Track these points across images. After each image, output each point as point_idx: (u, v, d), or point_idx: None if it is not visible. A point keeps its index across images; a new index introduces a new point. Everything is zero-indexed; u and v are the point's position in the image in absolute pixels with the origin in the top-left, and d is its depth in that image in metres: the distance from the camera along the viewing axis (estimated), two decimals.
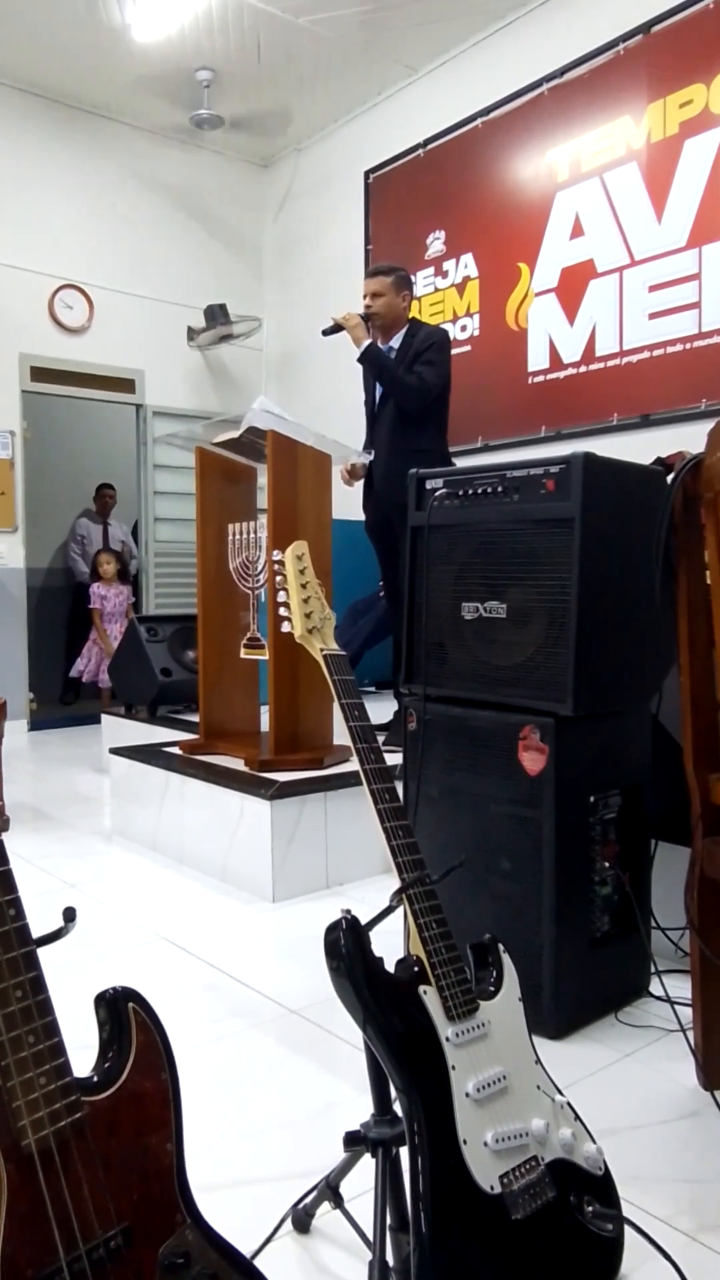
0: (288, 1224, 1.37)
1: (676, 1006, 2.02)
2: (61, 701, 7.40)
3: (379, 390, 3.76)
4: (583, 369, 4.93)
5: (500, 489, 2.08)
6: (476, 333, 5.52)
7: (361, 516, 3.93)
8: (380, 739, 1.33)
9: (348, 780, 3.01)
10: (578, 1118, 1.24)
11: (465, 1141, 1.11)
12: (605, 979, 2.09)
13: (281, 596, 1.43)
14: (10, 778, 4.78)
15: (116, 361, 6.58)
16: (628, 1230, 1.24)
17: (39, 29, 5.43)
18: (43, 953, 0.88)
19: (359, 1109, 1.45)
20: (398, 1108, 1.16)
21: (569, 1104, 1.24)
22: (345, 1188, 1.32)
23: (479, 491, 2.12)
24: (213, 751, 3.39)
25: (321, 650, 1.39)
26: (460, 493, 2.16)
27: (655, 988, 2.17)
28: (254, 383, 7.27)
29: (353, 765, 1.36)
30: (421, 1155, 1.08)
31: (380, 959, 1.14)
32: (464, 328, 5.58)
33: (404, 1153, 1.12)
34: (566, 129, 4.97)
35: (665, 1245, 1.29)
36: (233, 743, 3.39)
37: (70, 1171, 0.85)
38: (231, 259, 7.12)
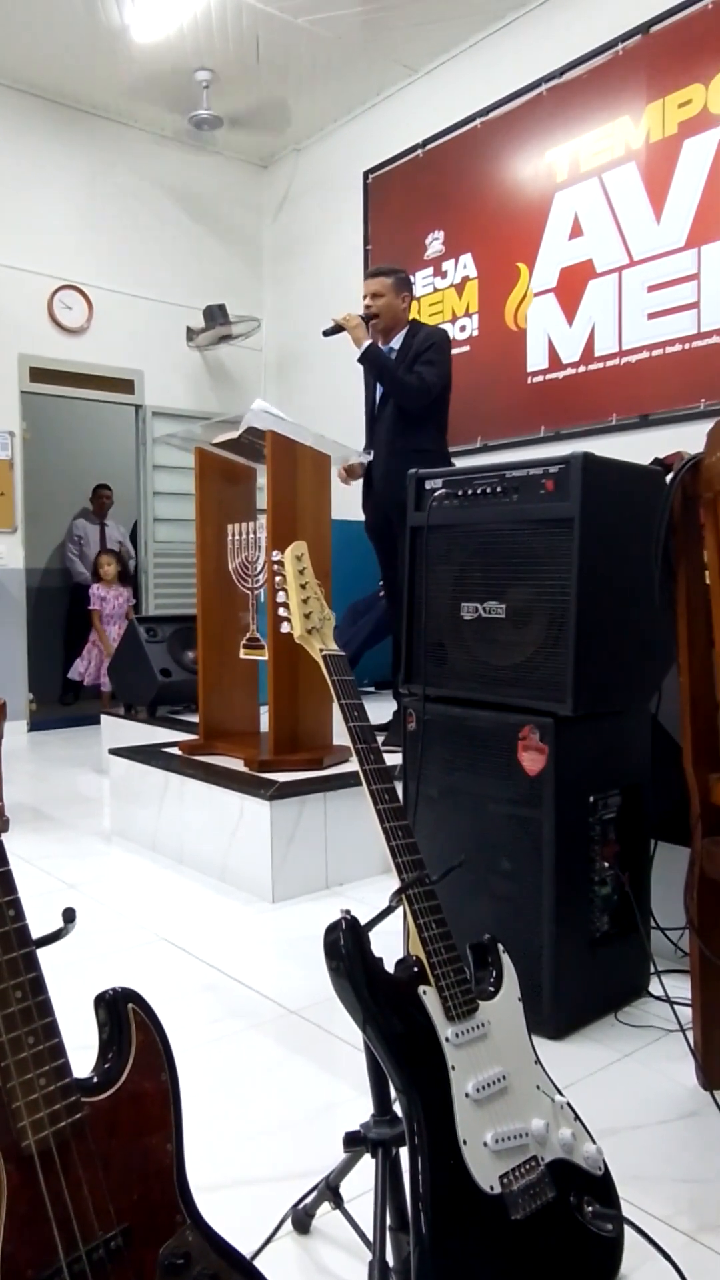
0: (288, 1224, 1.37)
1: (676, 1006, 2.02)
2: (61, 702, 7.40)
3: (379, 391, 3.76)
4: (582, 369, 4.93)
5: (499, 489, 2.08)
6: (475, 333, 5.52)
7: (360, 517, 3.93)
8: (379, 739, 1.33)
9: (347, 780, 3.01)
10: (577, 1118, 1.24)
11: (465, 1142, 1.11)
12: (605, 979, 2.09)
13: (281, 597, 1.43)
14: (10, 778, 4.78)
15: (115, 362, 6.58)
16: (627, 1230, 1.24)
17: (38, 30, 5.43)
18: (42, 953, 0.88)
19: (359, 1109, 1.45)
20: (397, 1108, 1.16)
21: (569, 1104, 1.24)
22: (345, 1188, 1.32)
23: (478, 492, 2.12)
24: (212, 752, 3.39)
25: (321, 650, 1.39)
26: (459, 493, 2.16)
27: (655, 988, 2.17)
28: (253, 383, 7.27)
29: (352, 765, 1.36)
30: (421, 1155, 1.08)
31: (380, 959, 1.14)
32: (463, 328, 5.58)
33: (404, 1153, 1.12)
34: (565, 129, 4.97)
35: (665, 1245, 1.29)
36: (232, 743, 3.39)
37: (70, 1172, 0.85)
38: (230, 259, 7.12)
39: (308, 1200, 1.36)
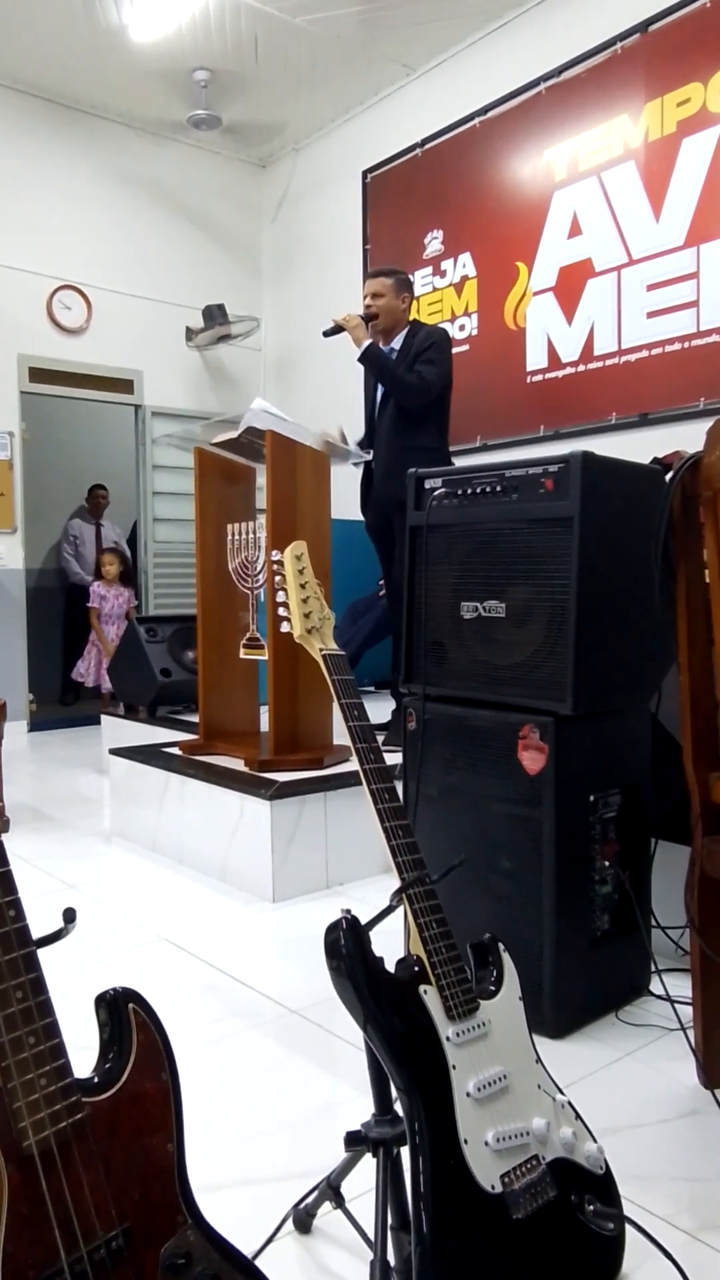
0: (289, 1224, 1.37)
1: (677, 1005, 2.02)
2: (61, 702, 7.40)
3: (380, 390, 3.76)
4: (581, 368, 4.93)
5: (499, 488, 2.08)
6: (475, 332, 5.52)
7: (359, 516, 3.93)
8: (379, 739, 1.33)
9: (347, 780, 3.01)
10: (578, 1117, 1.24)
11: (466, 1141, 1.11)
12: (605, 978, 2.09)
13: (280, 596, 1.43)
14: (10, 779, 4.78)
15: (115, 362, 6.58)
16: (629, 1229, 1.24)
17: (36, 29, 5.43)
18: (43, 954, 0.88)
19: (360, 1109, 1.45)
20: (398, 1107, 1.16)
21: (569, 1103, 1.24)
22: (346, 1188, 1.32)
23: (478, 491, 2.12)
24: (212, 752, 3.39)
25: (321, 650, 1.39)
26: (459, 492, 2.16)
27: (655, 986, 2.17)
28: (252, 383, 7.27)
29: (352, 765, 1.36)
30: (422, 1155, 1.08)
31: (380, 959, 1.14)
32: (462, 327, 5.58)
33: (405, 1152, 1.12)
34: (564, 128, 4.97)
35: (666, 1244, 1.29)
36: (232, 743, 3.39)
37: (71, 1172, 0.85)
38: (229, 259, 7.12)
39: (309, 1200, 1.36)
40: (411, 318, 3.80)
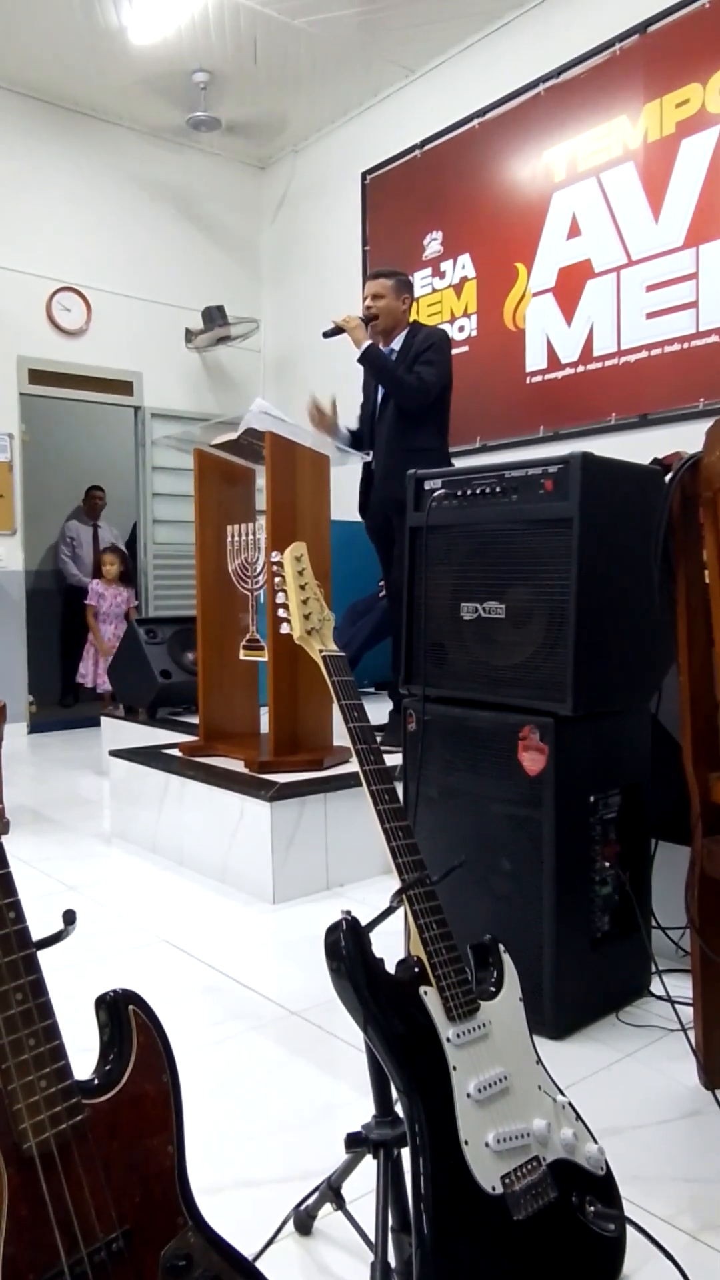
0: (290, 1226, 1.37)
1: (677, 1006, 2.02)
2: (61, 704, 7.40)
3: (380, 392, 3.76)
4: (580, 369, 4.93)
5: (499, 489, 2.08)
6: (474, 333, 5.53)
7: (358, 518, 3.93)
8: (377, 739, 1.33)
9: (347, 781, 3.01)
10: (579, 1118, 1.24)
11: (467, 1142, 1.11)
12: (606, 978, 2.09)
13: (280, 598, 1.43)
14: (10, 780, 4.77)
15: (114, 364, 6.58)
16: (630, 1230, 1.24)
17: (35, 31, 5.43)
18: (43, 955, 0.88)
19: (360, 1110, 1.45)
20: (399, 1109, 1.16)
21: (570, 1104, 1.24)
22: (347, 1189, 1.31)
23: (477, 492, 2.12)
24: (212, 753, 3.39)
25: (320, 651, 1.39)
26: (459, 493, 2.16)
27: (656, 987, 2.17)
28: (252, 384, 7.27)
29: (352, 766, 1.36)
30: (423, 1156, 1.08)
31: (381, 960, 1.14)
32: (462, 328, 5.58)
33: (405, 1154, 1.12)
34: (563, 129, 4.97)
35: (667, 1245, 1.29)
36: (232, 744, 3.39)
37: (71, 1174, 0.85)
38: (229, 261, 7.12)
39: (309, 1201, 1.36)
40: (411, 319, 3.80)
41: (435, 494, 2.21)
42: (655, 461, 3.33)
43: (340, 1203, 1.31)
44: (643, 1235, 1.29)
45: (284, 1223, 1.36)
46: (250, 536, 3.37)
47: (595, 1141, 1.24)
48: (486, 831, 2.08)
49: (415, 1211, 1.07)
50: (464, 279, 5.60)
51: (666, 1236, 1.32)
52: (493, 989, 1.24)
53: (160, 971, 2.39)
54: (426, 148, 5.80)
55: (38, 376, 6.25)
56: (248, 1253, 1.00)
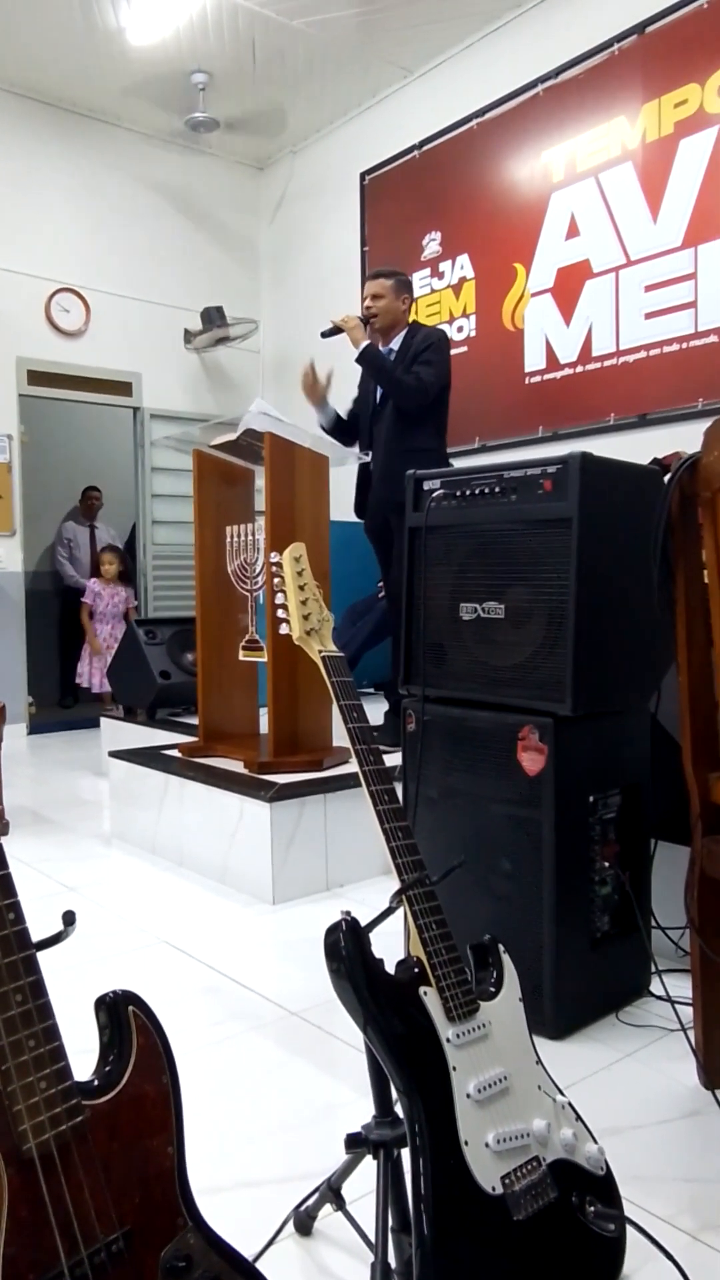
0: (290, 1226, 1.37)
1: (677, 1006, 2.02)
2: (60, 705, 7.40)
3: (378, 392, 3.76)
4: (579, 369, 4.93)
5: (498, 489, 2.08)
6: (473, 333, 5.53)
7: (353, 518, 3.93)
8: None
9: (347, 782, 3.01)
10: (579, 1118, 1.24)
11: (466, 1142, 1.11)
12: (605, 979, 2.09)
13: (279, 598, 1.43)
14: (10, 781, 4.77)
15: (113, 365, 6.58)
16: (630, 1230, 1.24)
17: (33, 33, 5.43)
18: (43, 956, 0.88)
19: (360, 1111, 1.45)
20: (399, 1109, 1.16)
21: (570, 1104, 1.24)
22: (347, 1190, 1.31)
23: (477, 492, 2.12)
24: (212, 754, 3.39)
25: (320, 652, 1.39)
26: (458, 493, 2.16)
27: (656, 987, 2.17)
28: (251, 385, 7.27)
29: (352, 767, 1.36)
30: (423, 1157, 1.08)
31: (380, 960, 1.14)
32: (460, 329, 5.58)
33: (405, 1154, 1.12)
34: (561, 129, 4.97)
35: (667, 1245, 1.29)
36: (232, 745, 3.39)
37: (71, 1175, 0.85)
38: (227, 261, 7.12)
39: (310, 1202, 1.36)
40: (410, 319, 3.80)
41: (434, 494, 2.21)
42: (654, 461, 3.33)
43: (340, 1203, 1.31)
44: (643, 1235, 1.29)
45: (284, 1223, 1.36)
46: (249, 537, 3.37)
47: (595, 1141, 1.24)
48: (486, 832, 2.08)
49: (415, 1212, 1.07)
50: (463, 279, 5.60)
51: (666, 1236, 1.32)
52: (492, 989, 1.24)
53: (160, 972, 2.39)
54: (425, 148, 5.80)
55: (37, 377, 6.25)
56: (248, 1253, 1.00)
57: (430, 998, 1.15)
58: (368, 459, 3.68)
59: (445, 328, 5.55)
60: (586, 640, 1.94)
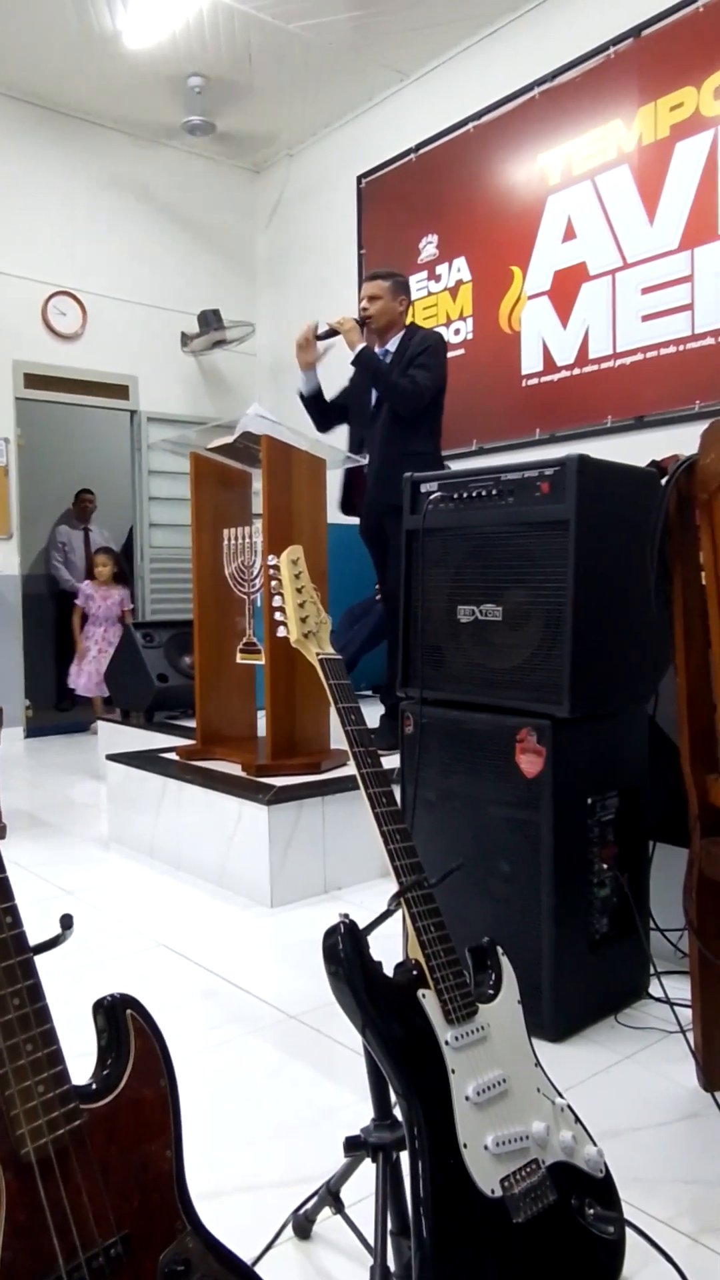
0: (288, 1230, 1.37)
1: (676, 1008, 2.02)
2: (58, 708, 7.39)
3: (374, 395, 3.76)
4: (576, 371, 4.94)
5: (495, 492, 2.08)
6: (470, 336, 5.53)
7: (340, 519, 3.93)
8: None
9: (345, 784, 3.00)
10: (578, 1120, 1.24)
11: (465, 1145, 1.10)
12: (604, 981, 2.09)
13: (277, 601, 1.43)
14: (7, 785, 4.77)
15: (110, 368, 6.58)
16: (629, 1233, 1.24)
17: (29, 36, 5.43)
18: (40, 960, 0.88)
19: (359, 1114, 1.44)
20: (398, 1112, 1.15)
21: (569, 1106, 1.23)
22: (346, 1193, 1.31)
23: (474, 494, 2.12)
24: (210, 757, 3.39)
25: (318, 654, 1.39)
26: (455, 496, 2.16)
27: (655, 989, 2.17)
28: (248, 388, 7.27)
29: (350, 769, 1.36)
30: (422, 1159, 1.08)
31: (379, 963, 1.14)
32: (457, 331, 5.59)
33: (404, 1157, 1.12)
34: (558, 132, 4.98)
35: (667, 1247, 1.29)
36: (230, 748, 3.39)
37: (69, 1180, 0.85)
38: (224, 264, 7.13)
39: (308, 1205, 1.36)
40: (409, 321, 3.80)
41: (432, 497, 2.21)
42: (652, 463, 3.33)
43: (339, 1207, 1.30)
44: (642, 1238, 1.29)
45: (283, 1227, 1.36)
46: (247, 540, 3.37)
47: (594, 1144, 1.24)
48: (484, 834, 2.08)
49: (414, 1215, 1.06)
50: (459, 282, 5.61)
51: (666, 1239, 1.32)
52: (491, 991, 1.23)
53: (158, 976, 2.38)
54: (421, 151, 5.81)
55: (33, 381, 6.25)
56: (246, 1257, 0.99)
57: (429, 1000, 1.15)
58: (365, 461, 3.68)
59: (442, 330, 5.55)
60: (584, 642, 1.94)
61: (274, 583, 1.45)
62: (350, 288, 6.01)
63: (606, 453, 2.09)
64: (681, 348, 4.45)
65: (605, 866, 2.07)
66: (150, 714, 4.52)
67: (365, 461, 3.66)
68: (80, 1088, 0.89)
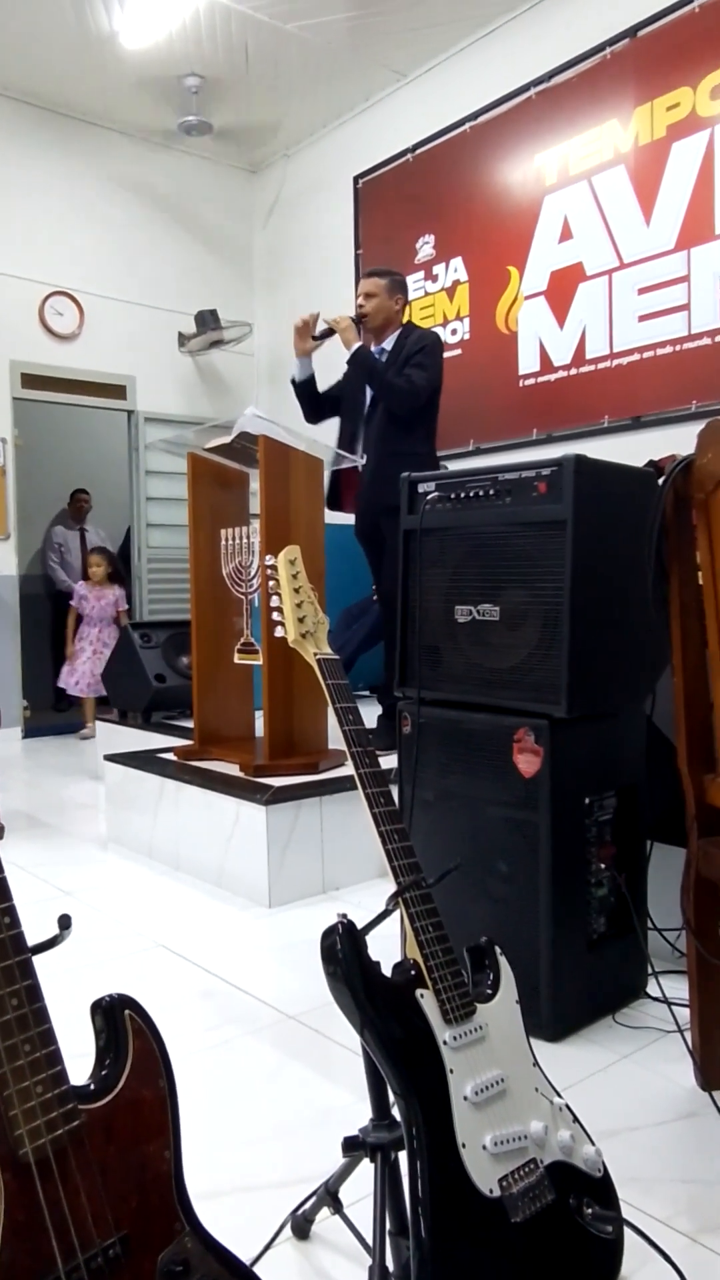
0: (287, 1230, 1.37)
1: (674, 1007, 2.02)
2: (55, 709, 7.38)
3: (369, 395, 3.76)
4: (573, 371, 4.94)
5: (492, 492, 2.08)
6: (467, 336, 5.53)
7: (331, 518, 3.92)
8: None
9: (343, 784, 3.00)
10: (576, 1120, 1.24)
11: (464, 1145, 1.11)
12: (602, 980, 2.09)
13: (275, 601, 1.43)
14: (5, 785, 4.77)
15: (107, 368, 6.57)
16: (627, 1232, 1.24)
17: (27, 36, 5.43)
18: (39, 960, 0.88)
19: (357, 1114, 1.44)
20: (396, 1112, 1.15)
21: (567, 1106, 1.24)
22: (344, 1193, 1.31)
23: (471, 494, 2.12)
24: (207, 757, 3.39)
25: (315, 655, 1.39)
26: (452, 496, 2.16)
27: (652, 989, 2.17)
28: (245, 388, 7.27)
29: (347, 769, 1.36)
30: (420, 1159, 1.08)
31: (377, 963, 1.14)
32: (454, 331, 5.59)
33: (403, 1157, 1.12)
34: (554, 133, 4.98)
35: (665, 1246, 1.29)
36: (227, 748, 3.38)
37: (68, 1180, 0.85)
38: (221, 265, 7.13)
39: (307, 1206, 1.36)
40: (406, 320, 3.80)
41: (429, 497, 2.21)
42: (650, 463, 3.34)
43: (338, 1207, 1.30)
44: (640, 1237, 1.29)
45: (281, 1227, 1.36)
46: (244, 540, 3.37)
47: (593, 1143, 1.24)
48: (482, 834, 2.08)
49: (413, 1215, 1.07)
50: (456, 282, 5.61)
51: (664, 1238, 1.32)
52: (489, 991, 1.24)
53: (156, 976, 2.38)
54: (418, 151, 5.81)
55: (30, 381, 6.24)
56: (245, 1257, 1.00)
57: (427, 1000, 1.15)
58: (363, 461, 3.68)
59: (439, 331, 5.55)
60: (581, 642, 1.94)
61: (271, 583, 1.45)
62: (348, 288, 6.01)
63: (603, 453, 2.09)
64: (678, 348, 4.46)
65: (603, 866, 2.07)
66: (148, 714, 4.52)
67: (363, 462, 3.66)
68: (79, 1088, 0.89)
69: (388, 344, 3.70)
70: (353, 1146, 1.22)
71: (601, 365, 4.80)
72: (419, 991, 1.15)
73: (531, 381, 5.16)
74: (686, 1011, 1.81)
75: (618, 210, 4.69)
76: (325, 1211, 1.33)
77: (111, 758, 3.72)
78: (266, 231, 7.18)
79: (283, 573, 1.44)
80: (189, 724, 3.83)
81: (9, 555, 6.15)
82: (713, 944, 1.72)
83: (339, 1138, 1.24)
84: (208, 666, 3.47)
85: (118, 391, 6.66)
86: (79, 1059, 0.94)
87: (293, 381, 3.89)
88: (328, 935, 1.13)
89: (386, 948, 1.53)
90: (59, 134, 6.31)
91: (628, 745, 2.15)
